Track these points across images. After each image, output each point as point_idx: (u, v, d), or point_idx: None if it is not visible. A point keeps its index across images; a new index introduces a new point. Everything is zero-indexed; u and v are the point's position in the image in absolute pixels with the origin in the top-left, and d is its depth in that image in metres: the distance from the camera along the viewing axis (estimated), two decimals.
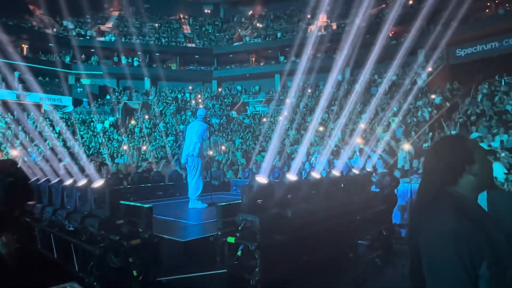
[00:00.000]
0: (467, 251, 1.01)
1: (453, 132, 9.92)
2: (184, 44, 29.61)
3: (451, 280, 1.03)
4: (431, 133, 10.23)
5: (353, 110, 16.90)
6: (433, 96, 14.35)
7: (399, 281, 4.00)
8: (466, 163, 1.16)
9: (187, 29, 31.77)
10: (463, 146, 1.20)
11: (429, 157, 1.28)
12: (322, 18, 27.46)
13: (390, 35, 22.73)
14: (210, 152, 6.83)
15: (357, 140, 8.64)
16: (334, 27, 26.16)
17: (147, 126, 22.46)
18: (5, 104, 21.32)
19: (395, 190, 5.88)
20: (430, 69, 18.11)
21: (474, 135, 9.04)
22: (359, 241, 4.92)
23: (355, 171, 5.26)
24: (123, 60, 27.98)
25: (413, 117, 12.59)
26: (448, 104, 12.75)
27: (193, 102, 26.66)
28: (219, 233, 3.25)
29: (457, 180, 1.17)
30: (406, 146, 7.75)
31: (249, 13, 33.02)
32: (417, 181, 6.18)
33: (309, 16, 29.06)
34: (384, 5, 24.03)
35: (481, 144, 7.96)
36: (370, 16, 24.27)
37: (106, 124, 22.16)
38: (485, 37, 16.58)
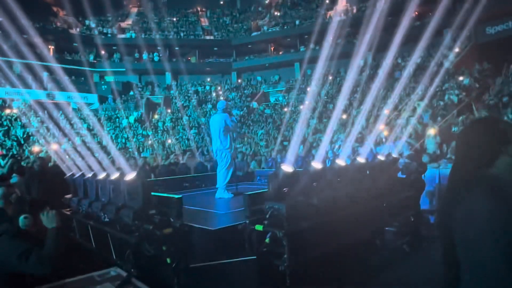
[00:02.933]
0: (502, 231, 1.01)
1: (484, 114, 9.52)
2: (202, 37, 29.76)
3: (486, 260, 1.03)
4: (460, 117, 9.86)
5: (377, 95, 16.50)
6: (461, 78, 13.75)
7: (427, 267, 3.96)
8: (501, 144, 1.15)
9: (205, 22, 31.86)
10: (497, 127, 1.19)
11: (462, 141, 1.27)
12: (341, 2, 26.72)
13: (414, 16, 21.83)
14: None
15: (382, 126, 8.48)
16: (354, 11, 25.40)
17: (170, 120, 22.92)
18: (37, 104, 22.37)
19: (423, 175, 5.76)
20: (457, 49, 17.31)
21: (509, 117, 8.64)
22: (386, 228, 4.89)
23: (380, 158, 5.19)
24: (144, 56, 28.53)
25: (440, 100, 12.15)
26: (477, 86, 12.20)
27: (214, 94, 26.88)
28: (247, 221, 3.33)
29: (493, 162, 1.16)
30: (432, 131, 7.52)
31: (266, 1, 32.62)
32: (446, 166, 6.03)
33: (327, 1, 28.37)
34: None
35: None
36: None
37: (131, 119, 22.80)
38: None
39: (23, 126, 18.14)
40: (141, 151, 15.53)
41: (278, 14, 30.34)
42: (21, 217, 2.30)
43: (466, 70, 14.19)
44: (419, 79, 16.12)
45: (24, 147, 13.96)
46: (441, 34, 19.74)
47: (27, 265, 2.03)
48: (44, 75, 24.50)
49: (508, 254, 1.00)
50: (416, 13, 21.83)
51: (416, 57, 19.00)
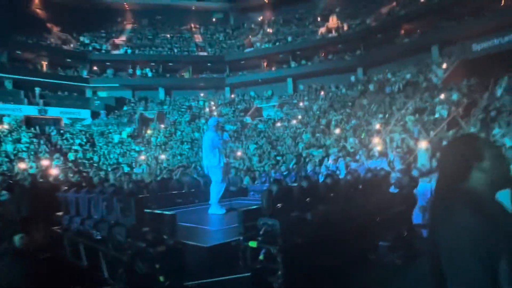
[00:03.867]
0: (484, 246, 1.04)
1: (472, 129, 9.73)
2: (196, 53, 30.10)
3: (470, 276, 1.06)
4: (450, 131, 10.05)
5: (368, 110, 16.76)
6: (449, 93, 14.08)
7: (421, 282, 3.96)
8: (475, 160, 1.21)
9: (198, 38, 32.29)
10: (473, 144, 1.25)
11: (443, 156, 1.36)
12: (332, 20, 27.40)
13: (402, 33, 22.46)
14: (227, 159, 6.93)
15: (374, 140, 8.59)
16: (345, 28, 26.04)
17: (163, 135, 22.88)
18: (28, 119, 22.20)
19: (415, 190, 5.82)
20: (444, 65, 17.78)
21: (496, 131, 8.82)
22: (380, 243, 4.90)
23: (373, 172, 5.26)
24: (138, 72, 28.68)
25: (430, 115, 12.38)
26: (466, 101, 12.48)
27: (207, 109, 27.00)
28: (241, 238, 3.33)
29: (467, 176, 1.22)
30: (423, 144, 7.63)
31: (259, 19, 33.29)
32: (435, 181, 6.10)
33: (319, 18, 29.09)
34: (394, 3, 23.78)
35: (505, 140, 7.78)
36: (381, 15, 24.09)
37: (124, 135, 22.69)
38: (502, 29, 16.16)
39: (13, 142, 17.90)
40: (133, 166, 15.41)
41: (271, 30, 30.94)
42: (17, 237, 2.29)
43: (455, 85, 14.55)
44: (409, 94, 16.46)
45: (15, 164, 13.75)
46: (429, 50, 20.29)
47: None
48: (37, 91, 24.41)
49: (488, 266, 1.03)
50: (404, 30, 22.46)
51: (405, 73, 19.46)
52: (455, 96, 12.94)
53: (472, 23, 18.71)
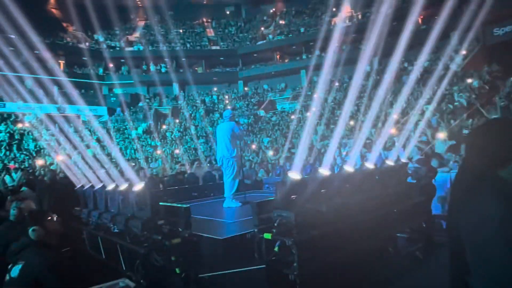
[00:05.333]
0: None
1: (495, 117, 9.36)
2: (208, 47, 30.12)
3: (497, 266, 1.00)
4: (470, 119, 9.72)
5: (384, 100, 16.41)
6: (469, 80, 13.60)
7: (441, 274, 3.86)
8: None
9: (210, 32, 32.27)
10: None
11: (475, 139, 1.23)
12: (346, 9, 26.83)
13: (420, 20, 21.78)
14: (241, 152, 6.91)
15: (390, 131, 8.40)
16: (359, 16, 25.46)
17: (178, 130, 23.10)
18: (48, 117, 22.82)
19: (433, 180, 5.66)
20: (464, 52, 17.16)
21: None
22: (398, 234, 4.80)
23: (390, 163, 5.13)
24: (152, 68, 28.98)
25: (449, 103, 12.01)
26: (487, 88, 12.04)
27: (221, 103, 27.07)
28: (255, 230, 3.31)
29: (505, 164, 1.11)
30: (441, 135, 7.41)
31: (271, 11, 32.94)
32: (455, 170, 5.91)
33: (332, 8, 28.52)
34: None
35: None
36: (396, 2, 23.40)
37: (140, 130, 23.04)
38: None
39: (34, 140, 18.46)
40: (149, 161, 15.64)
41: (283, 22, 30.58)
42: (30, 230, 2.35)
43: (475, 72, 14.04)
44: (426, 82, 16.00)
45: (36, 160, 14.19)
46: (448, 37, 19.62)
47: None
48: (55, 89, 25.02)
49: None
50: (422, 16, 21.77)
51: (423, 61, 18.90)
52: (475, 83, 12.50)
53: (493, 7, 17.94)
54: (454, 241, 1.16)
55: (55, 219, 2.51)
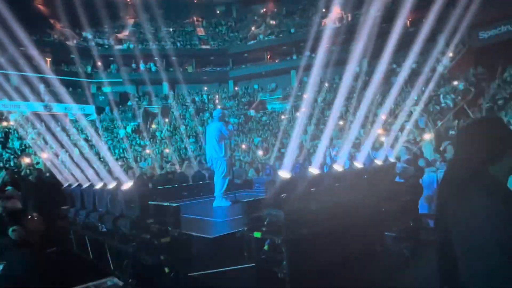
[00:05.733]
0: (503, 231, 1.00)
1: (484, 115, 9.57)
2: (199, 47, 29.97)
3: (487, 261, 1.00)
4: (456, 121, 9.92)
5: (373, 101, 16.61)
6: (455, 82, 13.88)
7: (428, 272, 3.93)
8: (508, 146, 1.14)
9: (201, 32, 32.12)
10: (505, 127, 1.18)
11: (465, 138, 1.25)
12: (336, 10, 27.05)
13: (408, 23, 22.12)
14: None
15: (379, 131, 8.51)
16: (349, 18, 25.71)
17: (168, 129, 22.92)
18: (35, 116, 22.37)
19: (420, 180, 5.76)
20: (451, 54, 17.51)
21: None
22: (386, 233, 4.87)
23: (378, 162, 5.20)
24: (142, 66, 28.67)
25: (436, 105, 12.24)
26: (472, 90, 12.30)
27: (211, 103, 26.97)
28: (245, 229, 3.31)
29: (495, 161, 1.14)
30: (427, 136, 7.55)
31: (262, 10, 32.96)
32: (443, 170, 6.03)
33: (322, 9, 28.70)
34: None
35: None
36: (385, 4, 23.71)
37: (129, 129, 22.78)
38: (509, 17, 15.83)
39: (20, 138, 18.07)
40: (138, 161, 15.48)
41: (274, 22, 30.64)
42: (10, 230, 2.31)
43: (461, 74, 14.34)
44: (414, 84, 16.26)
45: (21, 159, 13.89)
46: (435, 40, 19.97)
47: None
48: (41, 87, 24.52)
49: (507, 250, 0.98)
50: (410, 19, 22.13)
51: (410, 63, 19.19)
52: (461, 86, 12.76)
53: (479, 10, 18.33)
54: (443, 238, 1.18)
55: (35, 217, 2.47)
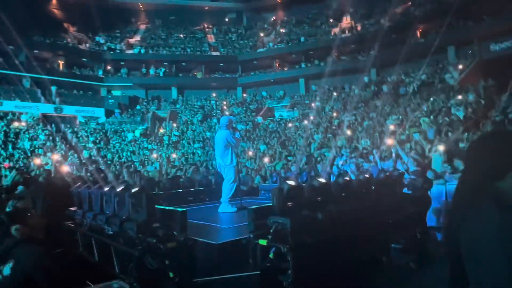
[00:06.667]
0: None
1: (493, 129, 9.44)
2: (209, 53, 30.26)
3: (497, 277, 0.99)
4: (466, 133, 9.80)
5: (381, 111, 16.53)
6: (465, 95, 13.76)
7: (434, 286, 3.87)
8: None
9: (211, 38, 32.47)
10: None
11: (474, 151, 1.24)
12: (345, 20, 27.16)
13: (418, 33, 22.07)
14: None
15: (387, 142, 8.45)
16: (359, 28, 25.76)
17: (175, 134, 23.07)
18: (45, 117, 22.75)
19: (428, 192, 5.70)
20: (461, 66, 17.40)
21: None
22: (392, 245, 4.82)
23: (386, 173, 5.16)
24: (151, 71, 29.03)
25: (446, 117, 12.12)
26: (483, 102, 12.17)
27: (219, 109, 27.12)
28: (251, 236, 3.31)
29: (504, 176, 1.11)
30: (441, 148, 7.45)
31: (272, 19, 33.26)
32: (452, 183, 5.96)
33: (332, 18, 28.85)
34: (409, 3, 23.41)
35: None
36: (395, 15, 23.74)
37: (137, 133, 22.98)
38: None
39: (30, 139, 18.35)
40: (146, 164, 15.58)
41: (284, 31, 30.86)
42: (13, 230, 2.35)
43: (472, 86, 14.22)
44: (424, 95, 16.16)
45: (31, 160, 14.09)
46: (445, 51, 19.89)
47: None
48: (53, 89, 24.96)
49: None
50: (420, 30, 22.08)
51: (420, 74, 19.12)
52: (471, 98, 12.64)
53: (490, 23, 18.26)
54: (453, 251, 1.17)
55: (33, 214, 2.52)
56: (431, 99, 14.59)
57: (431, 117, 12.39)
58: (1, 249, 2.31)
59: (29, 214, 2.50)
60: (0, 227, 2.45)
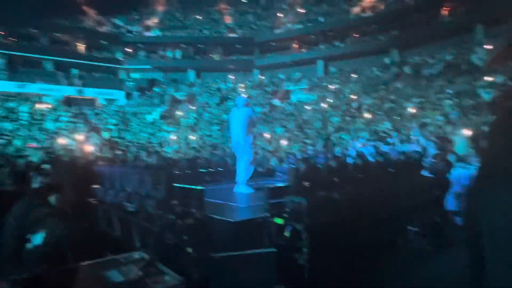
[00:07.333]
0: None
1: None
2: (226, 35, 29.95)
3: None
4: (493, 116, 9.44)
5: (402, 93, 16.07)
6: (494, 77, 13.13)
7: (451, 270, 3.81)
8: None
9: (228, 20, 32.03)
10: None
11: (494, 134, 1.23)
12: None
13: (444, 12, 21.00)
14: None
15: (408, 124, 8.25)
16: (382, 7, 24.74)
17: (193, 116, 23.28)
18: (67, 100, 23.37)
19: (449, 175, 5.56)
20: (490, 47, 16.51)
21: None
22: (408, 227, 4.76)
23: (405, 156, 5.07)
24: (169, 53, 29.08)
25: (471, 99, 11.66)
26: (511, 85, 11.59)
27: (236, 91, 27.04)
28: (267, 215, 3.34)
29: None
30: (466, 131, 7.20)
31: None
32: (474, 166, 5.78)
33: None
34: None
35: None
36: None
37: (155, 115, 23.33)
38: None
39: (54, 121, 18.96)
40: (164, 146, 15.87)
41: (302, 11, 30.04)
42: (53, 197, 2.46)
43: (501, 68, 13.53)
44: (448, 77, 15.54)
45: (55, 140, 14.62)
46: (472, 31, 18.90)
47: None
48: (74, 72, 25.49)
49: None
50: (446, 8, 20.99)
51: (445, 54, 18.33)
52: (500, 79, 12.06)
53: None
54: (472, 233, 1.16)
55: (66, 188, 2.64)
56: (456, 81, 14.02)
57: (456, 99, 11.97)
58: (34, 217, 2.44)
59: (65, 187, 2.62)
60: (32, 200, 2.57)
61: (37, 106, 20.13)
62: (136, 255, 2.28)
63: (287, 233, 3.15)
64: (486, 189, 1.14)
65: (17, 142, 13.91)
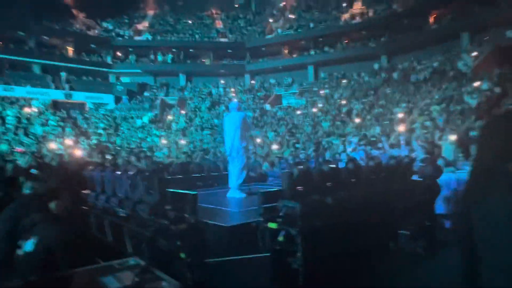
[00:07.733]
0: None
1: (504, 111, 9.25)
2: (217, 39, 30.00)
3: (506, 253, 1.01)
4: (478, 122, 9.65)
5: (391, 99, 16.33)
6: (479, 82, 13.46)
7: (442, 272, 3.89)
8: None
9: (219, 24, 32.12)
10: None
11: (485, 136, 1.25)
12: (356, 5, 26.56)
13: (431, 19, 21.50)
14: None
15: (397, 129, 8.39)
16: (371, 14, 25.19)
17: (184, 120, 23.17)
18: (55, 103, 23.00)
19: (438, 179, 5.66)
20: (475, 53, 16.94)
21: None
22: (401, 231, 4.83)
23: (395, 160, 5.15)
24: (159, 58, 28.96)
25: (457, 105, 11.91)
26: (497, 90, 11.90)
27: (227, 96, 27.06)
28: (261, 219, 3.36)
29: None
30: (452, 137, 7.36)
31: (281, 4, 32.69)
32: (462, 170, 5.91)
33: (343, 4, 28.24)
34: None
35: None
36: (408, 0, 23.12)
37: (145, 119, 23.14)
38: None
39: (42, 125, 18.63)
40: (154, 150, 15.74)
41: (293, 17, 30.34)
42: (53, 204, 2.43)
43: (486, 74, 13.89)
44: (435, 83, 15.87)
45: (42, 145, 14.35)
46: (459, 38, 19.39)
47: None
48: (62, 75, 25.13)
49: None
50: (433, 16, 21.50)
51: (432, 61, 18.73)
52: (485, 86, 12.37)
53: (506, 8, 17.67)
54: (465, 235, 1.18)
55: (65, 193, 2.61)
56: (443, 86, 14.33)
57: (443, 105, 12.21)
58: (27, 223, 2.40)
59: (64, 193, 2.59)
60: (23, 206, 2.53)
61: (25, 109, 19.76)
62: (131, 261, 2.26)
63: (281, 238, 3.16)
64: (477, 191, 1.16)
65: (3, 147, 13.62)
